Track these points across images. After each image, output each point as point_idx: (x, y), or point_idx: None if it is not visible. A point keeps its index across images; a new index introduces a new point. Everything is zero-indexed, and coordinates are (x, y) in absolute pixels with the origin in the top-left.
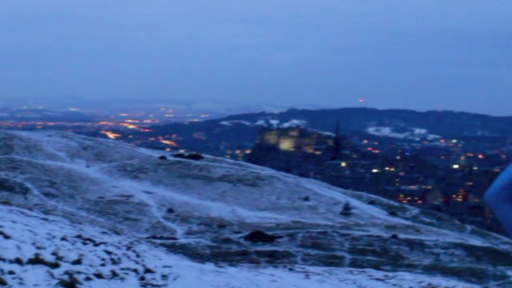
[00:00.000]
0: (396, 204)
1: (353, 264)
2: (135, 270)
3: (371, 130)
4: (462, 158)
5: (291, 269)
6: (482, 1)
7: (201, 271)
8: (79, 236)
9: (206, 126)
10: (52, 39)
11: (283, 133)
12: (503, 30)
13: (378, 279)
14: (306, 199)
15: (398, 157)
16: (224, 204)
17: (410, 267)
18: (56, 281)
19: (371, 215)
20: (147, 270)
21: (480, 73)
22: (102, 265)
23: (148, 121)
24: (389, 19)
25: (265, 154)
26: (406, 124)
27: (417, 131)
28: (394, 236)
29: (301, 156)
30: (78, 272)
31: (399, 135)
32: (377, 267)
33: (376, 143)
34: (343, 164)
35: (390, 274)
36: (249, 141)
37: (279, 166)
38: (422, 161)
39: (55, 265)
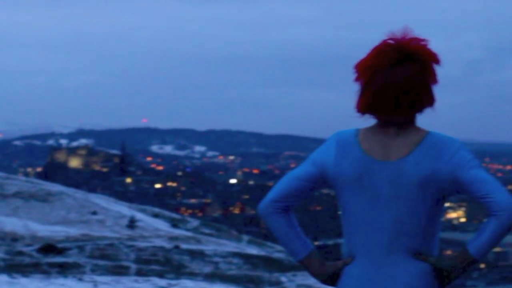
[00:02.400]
0: (179, 216)
1: (139, 273)
2: None
3: (154, 148)
4: (239, 173)
5: (80, 279)
6: (266, 28)
7: None
8: None
9: None
10: None
11: (72, 151)
12: (276, 55)
13: (162, 287)
14: (94, 213)
15: (179, 173)
16: (17, 219)
17: (192, 275)
18: None
19: (155, 227)
20: None
21: (256, 94)
22: None
23: None
24: (170, 43)
25: (55, 171)
26: (187, 142)
27: (197, 148)
28: (177, 247)
29: (89, 173)
30: None
31: (181, 153)
32: (161, 275)
33: (159, 160)
34: (129, 180)
35: (173, 282)
36: (41, 160)
37: (69, 183)
38: (202, 177)
39: None
